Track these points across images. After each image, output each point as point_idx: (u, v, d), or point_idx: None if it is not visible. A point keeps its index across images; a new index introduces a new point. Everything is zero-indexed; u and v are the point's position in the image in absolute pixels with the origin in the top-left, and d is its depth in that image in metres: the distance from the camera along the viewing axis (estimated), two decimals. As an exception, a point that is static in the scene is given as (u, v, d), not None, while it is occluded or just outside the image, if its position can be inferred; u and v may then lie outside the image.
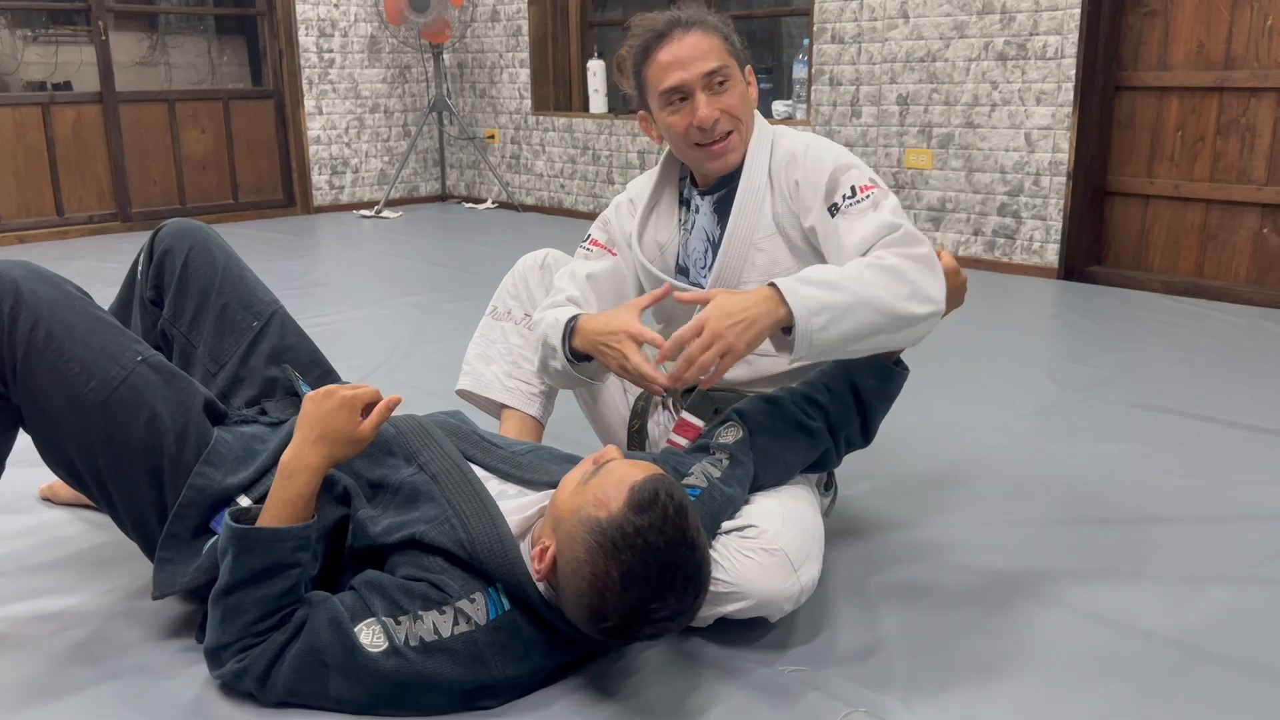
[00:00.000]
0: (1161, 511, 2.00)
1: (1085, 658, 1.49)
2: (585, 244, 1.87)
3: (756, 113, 1.75)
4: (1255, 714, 1.36)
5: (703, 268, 1.77)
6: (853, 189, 1.61)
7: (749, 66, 1.73)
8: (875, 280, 1.49)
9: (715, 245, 1.75)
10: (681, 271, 1.81)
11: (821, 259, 1.67)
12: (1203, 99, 3.85)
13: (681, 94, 1.65)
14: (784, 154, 1.70)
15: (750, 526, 1.49)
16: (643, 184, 1.86)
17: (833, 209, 1.62)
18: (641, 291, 1.85)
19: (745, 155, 1.71)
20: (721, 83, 1.65)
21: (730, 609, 1.47)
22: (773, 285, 1.48)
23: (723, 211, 1.74)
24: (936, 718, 1.35)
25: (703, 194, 1.78)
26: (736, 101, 1.67)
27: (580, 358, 1.67)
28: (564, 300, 1.77)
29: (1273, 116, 3.69)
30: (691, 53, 1.64)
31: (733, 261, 1.71)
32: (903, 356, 1.70)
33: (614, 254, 1.84)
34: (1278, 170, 3.71)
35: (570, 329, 1.67)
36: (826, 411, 1.64)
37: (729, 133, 1.68)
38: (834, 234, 1.61)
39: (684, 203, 1.83)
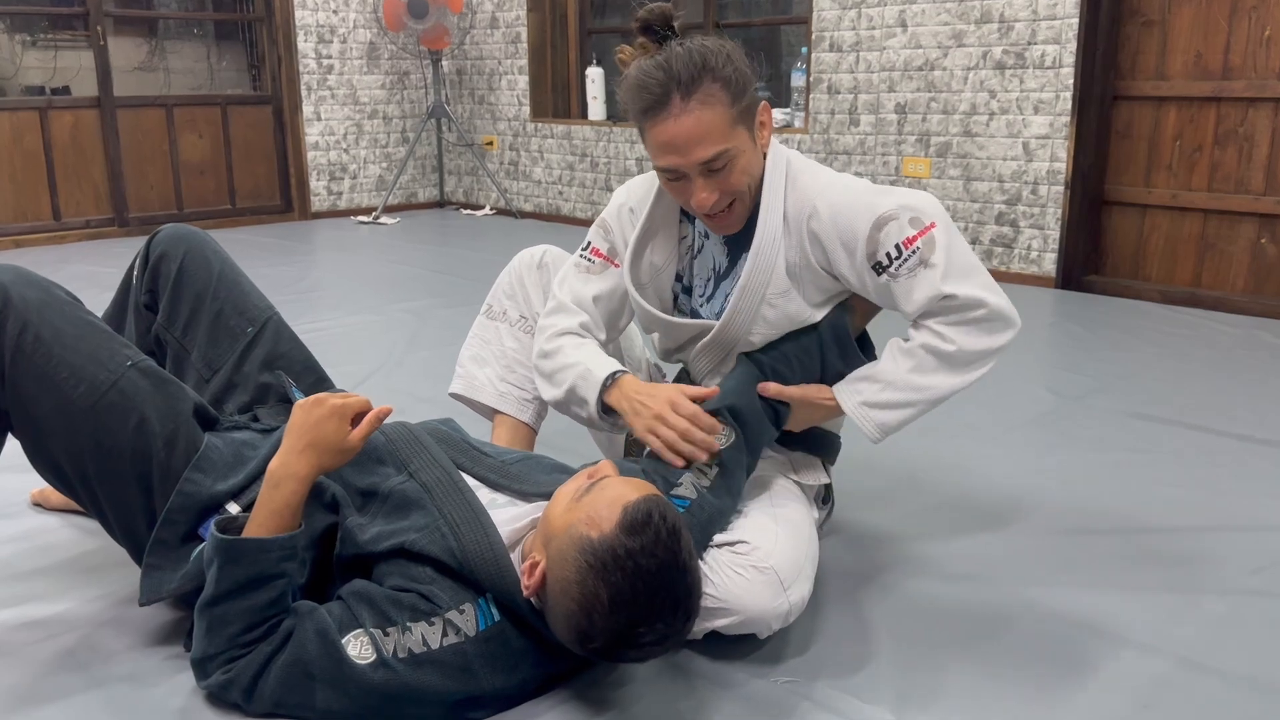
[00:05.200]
0: (1156, 522, 1.99)
1: (1079, 669, 1.49)
2: (585, 252, 1.78)
3: (773, 140, 1.61)
4: (1250, 728, 1.36)
5: (702, 295, 1.72)
6: (897, 248, 1.52)
7: (764, 104, 1.57)
8: (936, 374, 1.57)
9: (720, 276, 1.70)
10: (685, 291, 1.76)
11: (836, 297, 1.65)
12: (1200, 109, 3.85)
13: (676, 175, 1.53)
14: (803, 203, 1.58)
15: (742, 542, 1.48)
16: (642, 193, 1.73)
17: (878, 268, 1.54)
18: (633, 312, 1.81)
19: (759, 199, 1.60)
20: (721, 166, 1.50)
21: (718, 624, 1.46)
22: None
23: (733, 244, 1.67)
24: (929, 730, 1.34)
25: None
26: (739, 177, 1.53)
27: (608, 410, 1.66)
28: (576, 327, 1.73)
29: (1270, 126, 3.70)
30: (689, 137, 1.47)
31: (742, 318, 1.63)
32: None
33: (616, 265, 1.76)
34: (1275, 180, 3.71)
35: (606, 386, 1.64)
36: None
37: (730, 203, 1.56)
38: (887, 295, 1.57)
39: (686, 218, 1.74)
